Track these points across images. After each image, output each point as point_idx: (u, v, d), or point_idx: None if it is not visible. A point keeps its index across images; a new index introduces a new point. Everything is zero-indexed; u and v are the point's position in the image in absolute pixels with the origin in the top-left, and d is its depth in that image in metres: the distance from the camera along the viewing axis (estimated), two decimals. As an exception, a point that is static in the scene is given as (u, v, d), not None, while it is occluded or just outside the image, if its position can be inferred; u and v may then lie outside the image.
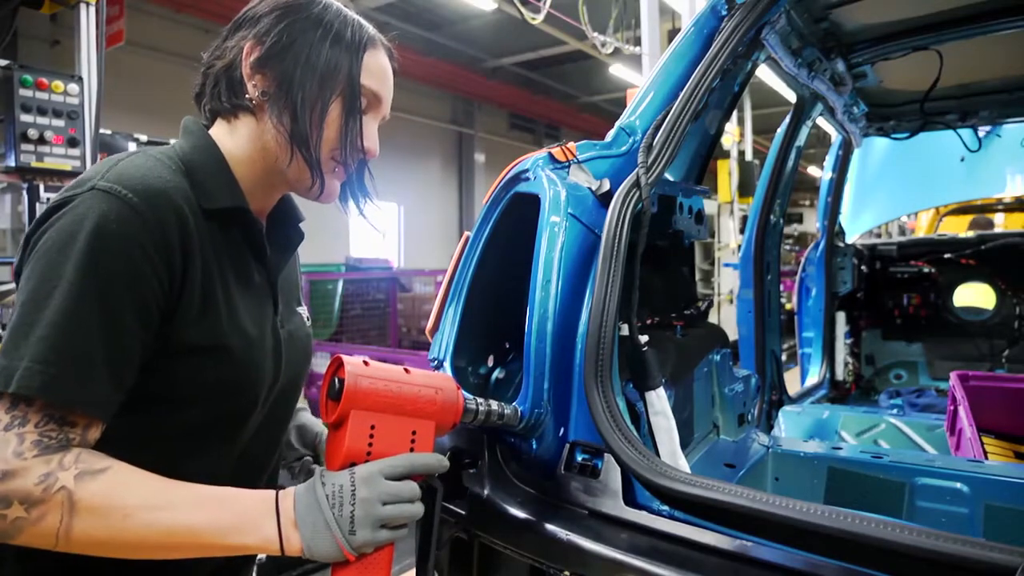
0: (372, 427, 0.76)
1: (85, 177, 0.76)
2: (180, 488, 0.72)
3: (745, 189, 8.51)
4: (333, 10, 0.88)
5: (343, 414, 0.75)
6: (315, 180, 0.88)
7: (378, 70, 0.90)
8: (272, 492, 0.75)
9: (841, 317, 3.22)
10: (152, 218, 0.74)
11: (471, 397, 0.91)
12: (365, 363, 0.77)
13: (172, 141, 0.93)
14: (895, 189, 3.56)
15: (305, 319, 1.05)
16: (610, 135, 1.36)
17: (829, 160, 3.04)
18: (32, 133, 2.60)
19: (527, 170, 1.21)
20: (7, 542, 0.67)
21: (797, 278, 3.16)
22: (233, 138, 0.88)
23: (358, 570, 0.74)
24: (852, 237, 3.40)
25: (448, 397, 0.83)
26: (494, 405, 0.95)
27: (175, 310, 0.77)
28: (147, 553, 0.70)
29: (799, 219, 14.51)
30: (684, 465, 1.19)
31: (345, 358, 0.77)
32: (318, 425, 1.08)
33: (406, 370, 0.80)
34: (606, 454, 1.00)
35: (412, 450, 0.79)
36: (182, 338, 0.78)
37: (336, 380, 0.77)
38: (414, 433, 0.79)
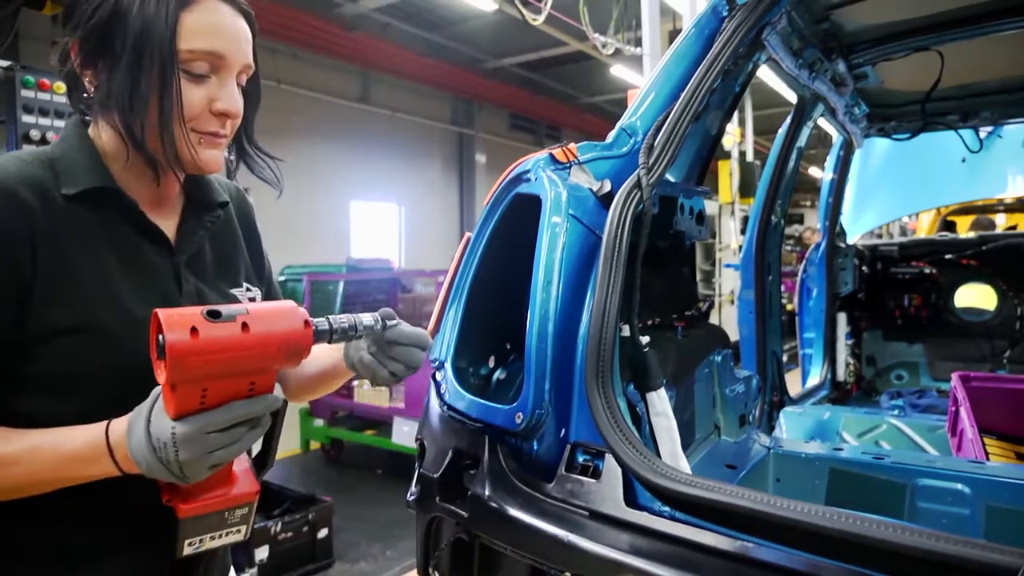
0: (204, 390, 0.72)
1: None
2: (24, 439, 0.77)
3: (746, 190, 8.50)
4: None
5: (171, 380, 0.70)
6: (151, 166, 0.86)
7: (204, 25, 0.82)
8: (101, 432, 0.76)
9: (842, 318, 3.21)
10: None
11: (323, 320, 0.82)
12: (194, 330, 0.67)
13: None
14: (896, 190, 3.56)
15: (244, 300, 1.01)
16: (611, 136, 1.36)
17: (830, 161, 3.04)
18: (34, 134, 2.61)
19: (528, 171, 1.21)
20: None
21: (798, 279, 3.16)
22: (101, 135, 0.88)
23: (196, 484, 0.77)
24: (853, 238, 3.40)
25: (293, 347, 0.75)
26: (346, 322, 0.85)
27: (29, 294, 0.79)
28: (24, 492, 0.78)
29: (800, 220, 14.51)
30: (685, 466, 1.19)
31: (165, 322, 0.67)
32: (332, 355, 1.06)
33: (244, 324, 0.70)
34: (607, 455, 1.00)
35: (251, 395, 0.75)
36: (42, 321, 0.79)
37: (160, 340, 0.69)
38: (252, 384, 0.75)
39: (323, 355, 1.09)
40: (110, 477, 0.77)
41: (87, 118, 0.90)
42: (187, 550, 0.83)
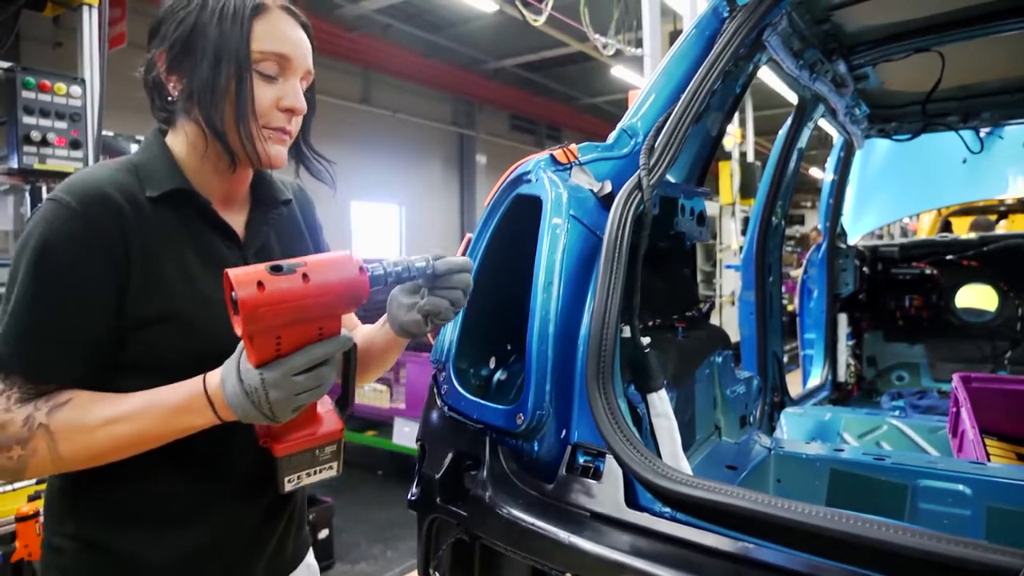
0: (278, 338, 0.80)
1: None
2: (127, 401, 0.85)
3: (747, 191, 8.50)
4: (212, 1, 0.92)
5: (247, 332, 0.77)
6: (228, 155, 0.94)
7: (273, 32, 0.94)
8: (199, 385, 0.84)
9: (843, 319, 3.21)
10: (87, 214, 0.87)
11: (377, 264, 0.89)
12: (260, 284, 0.75)
13: None
14: (897, 191, 3.56)
15: None
16: (612, 137, 1.36)
17: (831, 162, 3.04)
18: (35, 135, 2.61)
19: (529, 172, 1.21)
20: (24, 477, 0.84)
21: (799, 279, 3.15)
22: (178, 139, 0.98)
23: (286, 426, 0.87)
24: (854, 239, 3.40)
25: (353, 285, 0.82)
26: (401, 264, 0.92)
27: (126, 287, 0.89)
28: (127, 452, 0.85)
29: (801, 221, 14.51)
30: (686, 467, 1.19)
31: (235, 280, 0.74)
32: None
33: (304, 275, 0.78)
34: (608, 456, 1.00)
35: (321, 339, 0.83)
36: (136, 312, 0.89)
37: (233, 296, 0.76)
38: (321, 329, 0.83)
39: (369, 331, 1.13)
40: (206, 430, 0.86)
41: (163, 127, 1.00)
42: (288, 486, 0.91)
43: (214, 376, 0.83)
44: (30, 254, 0.86)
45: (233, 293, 0.75)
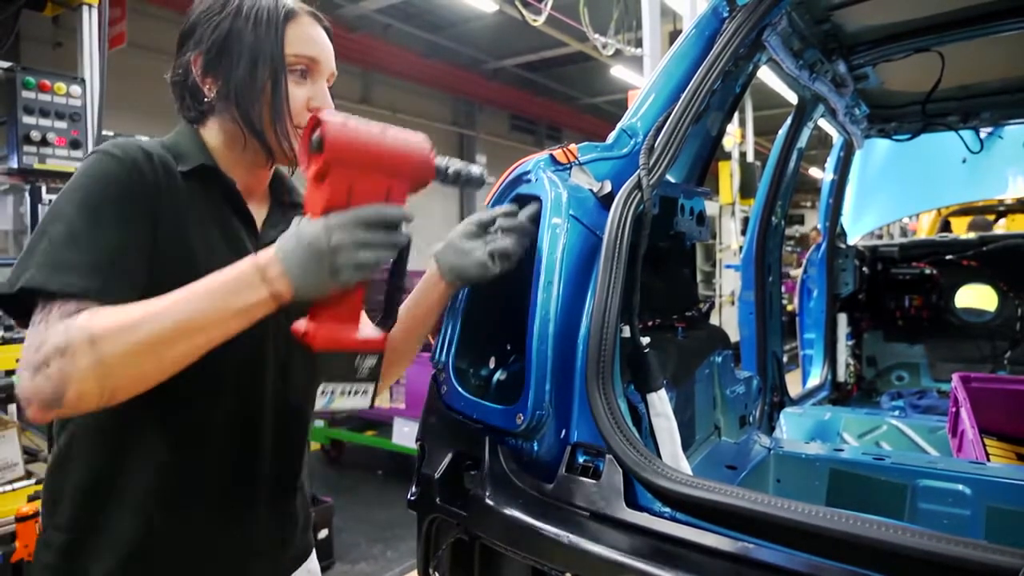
0: (350, 186, 0.82)
1: None
2: (172, 294, 0.82)
3: (746, 191, 8.50)
4: (247, 5, 0.98)
5: (324, 168, 0.80)
6: (265, 151, 1.00)
7: (303, 36, 1.00)
8: (248, 260, 0.82)
9: (843, 319, 3.21)
10: (129, 160, 0.90)
11: (442, 157, 0.94)
12: (345, 121, 0.81)
13: None
14: (897, 191, 3.56)
15: None
16: (611, 137, 1.36)
17: (831, 162, 3.04)
18: (35, 135, 2.61)
19: (528, 172, 1.21)
20: (66, 402, 0.76)
21: (798, 279, 3.15)
22: (210, 134, 1.02)
23: (336, 305, 0.85)
24: (854, 238, 3.40)
25: (421, 156, 0.88)
26: (460, 164, 0.98)
27: (155, 242, 0.90)
28: (173, 348, 0.79)
29: (801, 221, 14.50)
30: (685, 467, 1.19)
31: (325, 115, 0.80)
32: None
33: (384, 128, 0.84)
34: (607, 456, 1.00)
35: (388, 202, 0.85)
36: (159, 272, 0.89)
37: (316, 136, 0.80)
38: (389, 190, 0.85)
39: (404, 306, 1.15)
40: (253, 324, 0.83)
41: (193, 125, 1.04)
42: (319, 401, 0.87)
43: (264, 251, 0.83)
44: (73, 191, 0.87)
45: (314, 134, 0.80)
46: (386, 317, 0.94)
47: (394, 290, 0.93)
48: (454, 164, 0.97)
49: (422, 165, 0.88)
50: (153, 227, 0.90)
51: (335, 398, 0.88)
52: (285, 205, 1.12)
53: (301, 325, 0.86)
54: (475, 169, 0.99)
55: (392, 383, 1.20)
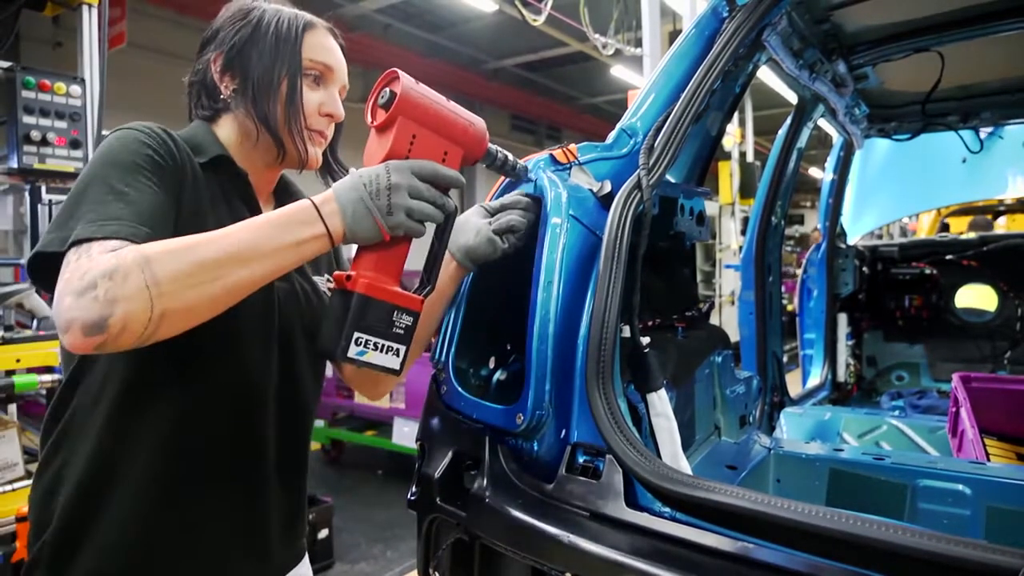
0: (413, 136, 0.88)
1: None
2: (228, 227, 0.83)
3: (746, 191, 8.50)
4: (271, 11, 1.05)
5: (392, 119, 0.87)
6: (278, 147, 1.04)
7: (320, 45, 1.06)
8: (306, 200, 0.86)
9: (843, 318, 3.21)
10: (159, 137, 0.93)
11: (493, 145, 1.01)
12: (417, 82, 0.89)
13: None
14: (896, 190, 3.56)
15: (324, 288, 1.16)
16: (611, 137, 1.36)
17: (830, 162, 3.04)
18: (35, 135, 2.61)
19: (528, 172, 1.20)
20: (111, 323, 0.73)
21: (798, 279, 3.15)
22: (223, 131, 1.06)
23: (384, 250, 0.89)
24: (854, 238, 3.40)
25: (478, 131, 0.95)
26: (511, 156, 1.06)
27: (177, 217, 0.92)
28: (228, 274, 0.79)
29: (800, 221, 14.50)
30: (685, 467, 1.19)
31: (401, 72, 0.89)
32: None
33: (448, 99, 0.92)
34: (607, 456, 1.00)
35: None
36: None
37: (387, 90, 0.89)
38: (445, 154, 0.92)
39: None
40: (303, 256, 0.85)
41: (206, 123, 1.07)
42: (352, 349, 0.86)
43: (323, 193, 0.87)
44: (108, 157, 0.89)
45: (385, 88, 0.89)
46: (425, 284, 0.96)
47: (435, 258, 0.95)
48: (503, 152, 1.04)
49: (478, 138, 0.95)
50: (177, 202, 0.93)
51: (368, 351, 0.87)
52: (280, 197, 1.15)
53: (343, 273, 0.89)
54: (521, 163, 1.07)
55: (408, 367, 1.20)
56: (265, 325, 1.03)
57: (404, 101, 0.87)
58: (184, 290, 0.76)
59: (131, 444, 0.93)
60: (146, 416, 0.94)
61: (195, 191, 0.96)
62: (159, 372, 0.94)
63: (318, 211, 0.83)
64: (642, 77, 6.91)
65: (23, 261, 3.93)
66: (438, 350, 1.22)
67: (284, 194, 1.17)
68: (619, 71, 10.08)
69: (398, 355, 0.90)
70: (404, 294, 0.90)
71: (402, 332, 0.90)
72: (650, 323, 1.50)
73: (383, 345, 0.88)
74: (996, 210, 5.46)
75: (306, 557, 1.19)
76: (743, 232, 7.70)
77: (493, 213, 1.12)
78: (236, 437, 1.01)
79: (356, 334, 0.86)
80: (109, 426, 0.93)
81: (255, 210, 1.06)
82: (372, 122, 0.90)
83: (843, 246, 3.15)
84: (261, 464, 1.04)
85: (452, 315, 1.23)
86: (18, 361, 2.54)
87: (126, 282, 0.73)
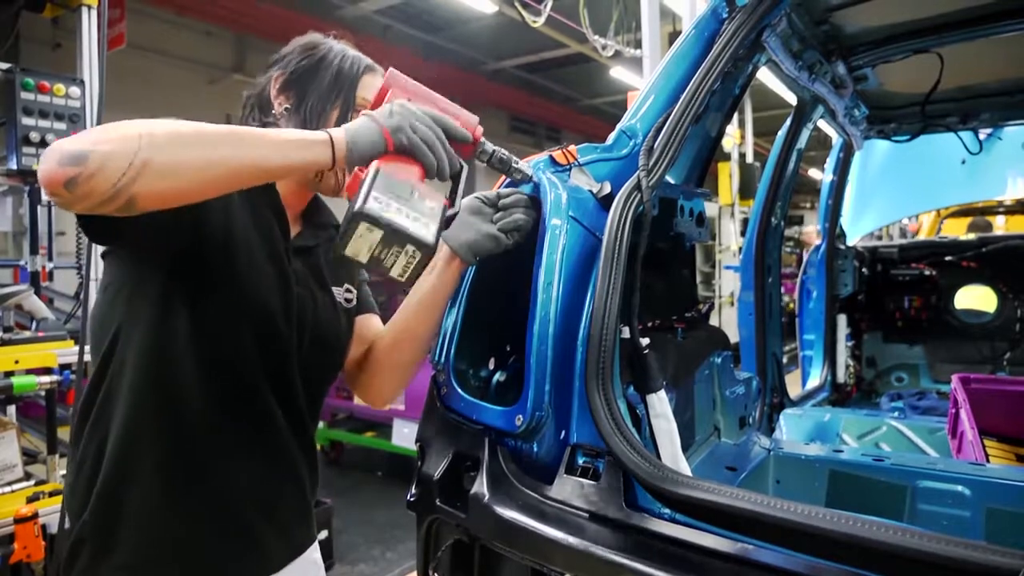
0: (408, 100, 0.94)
1: None
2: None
3: (746, 191, 8.51)
4: (337, 48, 1.14)
5: (383, 92, 0.96)
6: (318, 173, 1.08)
7: (375, 86, 1.11)
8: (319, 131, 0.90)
9: (842, 320, 3.21)
10: None
11: (489, 143, 1.04)
12: (408, 77, 0.97)
13: None
14: (896, 192, 3.56)
15: (341, 298, 1.21)
16: (611, 138, 1.36)
17: (830, 163, 3.04)
18: (34, 136, 2.61)
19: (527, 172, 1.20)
20: (82, 174, 0.71)
21: (798, 280, 3.15)
22: None
23: (396, 161, 0.88)
24: (853, 239, 3.40)
25: (468, 119, 0.99)
26: (507, 154, 1.07)
27: (205, 214, 0.94)
28: (222, 144, 0.79)
29: (800, 221, 14.50)
30: (685, 468, 1.19)
31: (392, 69, 0.99)
32: None
33: (439, 95, 0.98)
34: (607, 457, 1.00)
35: None
36: (201, 244, 0.95)
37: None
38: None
39: (417, 290, 1.19)
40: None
41: None
42: (371, 203, 0.82)
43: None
44: None
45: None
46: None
47: (448, 219, 1.00)
48: (500, 151, 1.06)
49: (467, 126, 0.97)
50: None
51: (388, 210, 0.82)
52: (317, 225, 1.20)
53: (351, 187, 0.91)
54: (522, 163, 1.10)
55: (411, 373, 1.25)
56: (286, 314, 1.07)
57: (392, 76, 0.96)
58: (175, 146, 0.76)
59: (159, 413, 0.97)
60: (181, 371, 0.98)
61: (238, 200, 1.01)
62: (190, 327, 0.97)
63: (330, 138, 0.89)
64: (642, 78, 6.91)
65: (23, 262, 3.93)
66: (438, 351, 1.22)
67: (314, 214, 1.21)
68: (619, 72, 10.08)
69: (427, 225, 0.83)
70: (425, 180, 0.92)
71: (426, 210, 0.86)
72: (650, 324, 1.50)
73: (405, 210, 0.82)
74: (995, 211, 5.46)
75: (316, 543, 1.24)
76: (743, 233, 7.69)
77: (491, 204, 1.12)
78: (253, 408, 1.05)
79: (374, 192, 0.82)
80: (135, 397, 0.97)
81: (283, 223, 1.09)
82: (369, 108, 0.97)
83: (843, 247, 3.15)
84: (280, 438, 1.09)
85: (452, 316, 1.23)
86: (17, 362, 2.54)
87: (119, 129, 0.75)
